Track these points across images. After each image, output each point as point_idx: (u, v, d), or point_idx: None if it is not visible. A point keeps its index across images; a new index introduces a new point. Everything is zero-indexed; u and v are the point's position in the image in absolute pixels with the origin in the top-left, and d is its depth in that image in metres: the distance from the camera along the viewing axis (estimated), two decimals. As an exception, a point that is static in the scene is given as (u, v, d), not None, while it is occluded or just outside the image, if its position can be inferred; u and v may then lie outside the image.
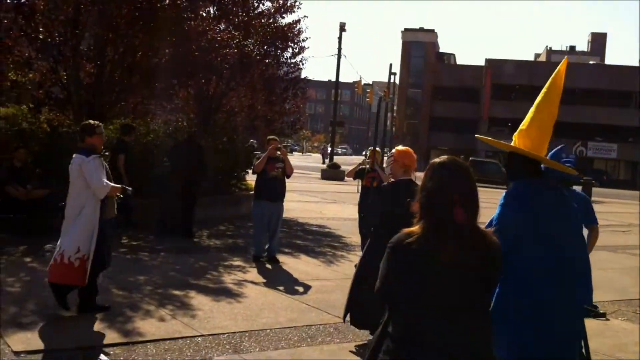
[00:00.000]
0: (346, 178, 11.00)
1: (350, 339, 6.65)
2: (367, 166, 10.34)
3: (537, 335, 3.52)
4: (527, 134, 3.83)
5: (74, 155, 6.69)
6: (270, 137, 10.79)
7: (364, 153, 11.59)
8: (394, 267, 2.78)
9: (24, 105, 13.12)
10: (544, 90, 3.95)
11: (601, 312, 8.27)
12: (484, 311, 2.88)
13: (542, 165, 3.93)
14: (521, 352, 3.53)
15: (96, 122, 7.04)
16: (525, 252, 3.53)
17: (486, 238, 2.81)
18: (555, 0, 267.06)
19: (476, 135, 4.86)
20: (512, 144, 3.92)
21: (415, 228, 2.77)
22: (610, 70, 62.60)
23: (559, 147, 5.40)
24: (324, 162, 52.66)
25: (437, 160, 2.90)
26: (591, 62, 69.16)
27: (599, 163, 60.75)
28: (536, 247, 3.56)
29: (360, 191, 10.75)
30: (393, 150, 6.71)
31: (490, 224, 3.68)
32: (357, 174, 10.66)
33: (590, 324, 6.89)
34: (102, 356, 5.63)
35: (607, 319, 8.27)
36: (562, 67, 3.96)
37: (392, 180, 6.50)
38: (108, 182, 6.70)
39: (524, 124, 3.90)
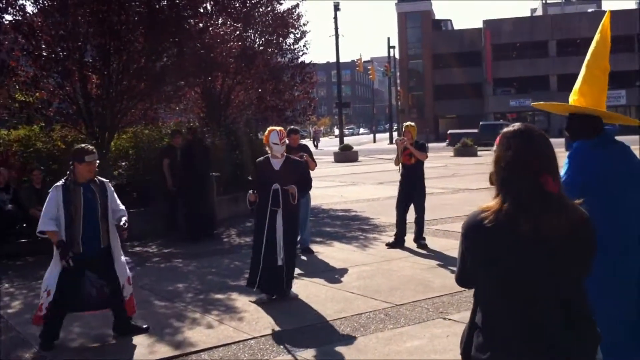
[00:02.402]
0: (396, 167, 10.85)
1: (402, 323, 6.50)
2: (400, 144, 10.30)
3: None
4: (581, 92, 3.72)
5: None
6: (292, 127, 10.62)
7: (401, 135, 11.34)
8: (468, 248, 2.57)
9: (35, 125, 13.00)
10: (592, 46, 3.83)
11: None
12: (577, 296, 2.53)
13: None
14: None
15: (89, 147, 6.27)
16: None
17: (577, 210, 2.52)
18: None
19: (532, 104, 4.64)
20: (571, 102, 3.78)
21: (492, 203, 2.52)
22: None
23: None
24: (316, 147, 52.32)
25: (510, 128, 2.63)
26: (589, 10, 68.21)
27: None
28: (608, 211, 3.36)
29: (400, 170, 10.61)
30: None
31: None
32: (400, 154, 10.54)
33: None
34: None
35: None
36: (606, 20, 3.84)
37: None
38: (47, 220, 6.02)
39: (577, 83, 3.77)
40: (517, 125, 2.62)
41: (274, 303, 7.39)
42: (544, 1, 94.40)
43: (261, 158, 7.67)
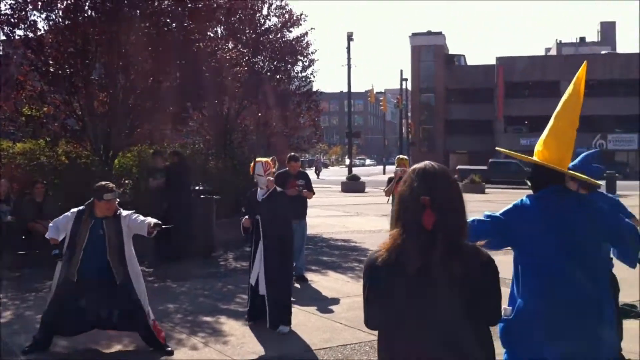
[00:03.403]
0: (386, 198, 10.81)
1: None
2: (399, 175, 10.25)
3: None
4: (547, 145, 3.60)
5: None
6: (291, 155, 10.65)
7: (395, 166, 11.31)
8: (366, 286, 2.56)
9: (41, 140, 13.09)
10: (564, 96, 3.69)
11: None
12: (467, 332, 2.45)
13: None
14: None
15: (110, 184, 6.42)
16: (543, 260, 3.35)
17: (475, 251, 2.47)
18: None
19: (497, 148, 4.65)
20: (535, 153, 3.68)
21: (386, 240, 2.53)
22: (622, 59, 61.85)
23: (593, 151, 5.24)
24: (318, 177, 52.20)
25: (414, 166, 2.64)
26: (603, 52, 68.38)
27: (620, 155, 59.90)
28: (556, 254, 3.35)
29: (392, 200, 10.56)
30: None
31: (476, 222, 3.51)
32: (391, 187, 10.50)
33: (629, 325, 6.64)
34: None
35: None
36: (581, 73, 3.69)
37: None
38: (53, 226, 6.40)
39: (544, 134, 3.67)
40: (423, 162, 2.64)
41: (262, 329, 7.32)
42: (558, 41, 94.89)
43: (250, 191, 7.81)
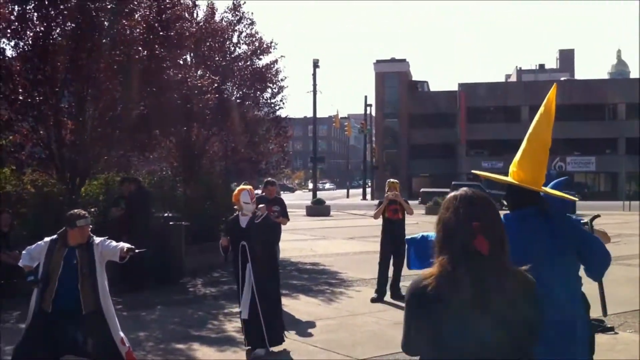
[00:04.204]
0: (374, 220, 11.03)
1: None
2: (392, 198, 10.46)
3: None
4: (521, 166, 3.78)
5: None
6: (268, 179, 10.85)
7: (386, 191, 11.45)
8: (413, 315, 2.53)
9: (6, 168, 12.93)
10: (535, 118, 3.88)
11: (609, 326, 8.22)
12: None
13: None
14: None
15: (81, 212, 6.32)
16: None
17: (521, 275, 2.50)
18: (524, 18, 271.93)
19: (474, 172, 4.83)
20: (510, 174, 3.87)
21: (434, 268, 2.50)
22: (581, 84, 63.69)
23: (563, 179, 5.40)
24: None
25: (453, 193, 2.67)
26: (562, 79, 70.15)
27: (578, 176, 61.33)
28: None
29: (382, 224, 10.76)
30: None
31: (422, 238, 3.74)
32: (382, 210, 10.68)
33: (600, 339, 6.87)
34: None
35: (616, 333, 8.22)
36: (551, 95, 3.86)
37: None
38: (26, 254, 6.26)
39: (518, 155, 3.84)
40: (462, 189, 2.66)
41: (232, 356, 7.36)
42: (518, 68, 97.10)
43: (231, 217, 7.94)
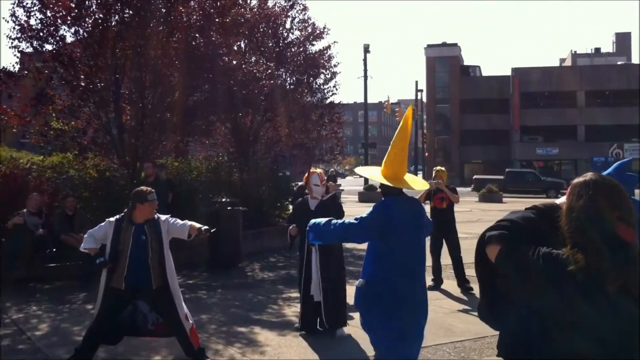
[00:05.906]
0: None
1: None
2: (435, 187, 10.29)
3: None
4: (386, 165, 4.84)
5: None
6: (330, 174, 10.93)
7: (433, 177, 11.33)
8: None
9: (70, 153, 13.27)
10: (397, 129, 4.90)
11: None
12: None
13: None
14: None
15: (148, 188, 6.46)
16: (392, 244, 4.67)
17: None
18: (579, 0, 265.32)
19: (356, 169, 5.63)
20: (380, 171, 4.86)
21: (576, 254, 2.36)
22: (638, 69, 61.65)
23: (626, 160, 5.29)
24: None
25: (581, 178, 2.51)
26: (619, 63, 68.19)
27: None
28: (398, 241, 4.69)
29: (430, 212, 10.66)
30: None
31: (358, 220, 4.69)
32: (427, 197, 10.58)
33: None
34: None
35: None
36: (408, 112, 4.89)
37: None
38: (89, 237, 6.34)
39: (386, 156, 4.84)
40: (589, 175, 2.53)
41: (294, 340, 7.40)
42: (573, 52, 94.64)
43: (299, 199, 8.07)
